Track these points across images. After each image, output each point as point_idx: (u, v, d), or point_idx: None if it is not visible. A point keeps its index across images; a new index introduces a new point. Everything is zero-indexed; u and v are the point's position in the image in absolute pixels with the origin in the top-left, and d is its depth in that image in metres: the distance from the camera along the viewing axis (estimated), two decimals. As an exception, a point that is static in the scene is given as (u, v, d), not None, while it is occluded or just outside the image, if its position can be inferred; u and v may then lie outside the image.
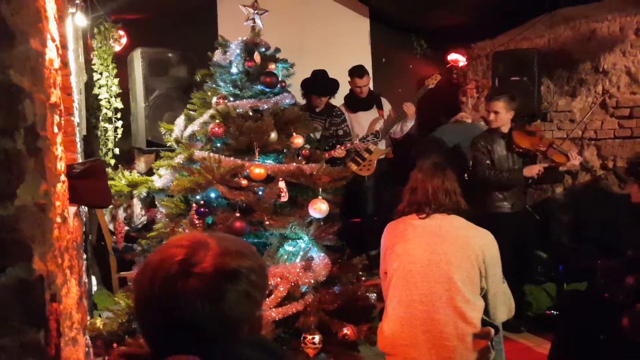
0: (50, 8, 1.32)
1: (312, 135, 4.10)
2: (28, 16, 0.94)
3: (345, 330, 2.83)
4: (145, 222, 4.89)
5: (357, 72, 5.27)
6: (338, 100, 5.43)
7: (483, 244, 2.48)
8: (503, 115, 4.30)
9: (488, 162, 4.28)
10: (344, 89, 5.38)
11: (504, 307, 2.56)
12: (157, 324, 1.02)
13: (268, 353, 1.04)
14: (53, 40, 1.35)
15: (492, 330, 2.47)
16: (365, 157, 5.15)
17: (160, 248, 1.06)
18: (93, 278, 4.57)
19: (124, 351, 1.03)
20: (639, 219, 2.96)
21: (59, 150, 1.40)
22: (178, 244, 1.03)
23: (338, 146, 4.85)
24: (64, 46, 2.55)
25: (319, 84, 5.09)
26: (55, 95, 1.21)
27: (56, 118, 1.38)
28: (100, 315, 3.37)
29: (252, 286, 1.03)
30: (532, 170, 4.24)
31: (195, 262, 1.00)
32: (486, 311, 2.51)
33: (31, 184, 0.91)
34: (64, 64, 2.62)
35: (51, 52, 1.21)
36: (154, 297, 1.01)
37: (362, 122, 5.34)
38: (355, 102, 5.39)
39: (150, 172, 4.14)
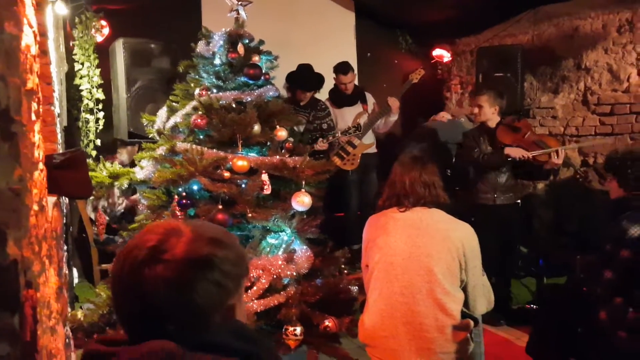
0: (28, -7, 1.30)
1: (295, 128, 4.09)
2: (2, -1, 0.92)
3: (326, 322, 2.84)
4: (123, 210, 4.86)
5: (341, 68, 5.28)
6: (323, 94, 5.43)
7: (463, 236, 2.50)
8: (487, 109, 4.34)
9: (477, 149, 4.33)
10: (328, 83, 5.38)
11: (484, 300, 2.59)
12: (127, 310, 1.01)
13: (245, 339, 1.02)
14: (30, 26, 1.33)
15: (472, 323, 2.49)
16: (350, 151, 5.15)
17: (138, 234, 1.05)
18: (74, 270, 4.54)
19: (102, 337, 1.02)
20: (617, 214, 2.99)
21: (36, 137, 1.38)
22: (154, 231, 1.02)
23: (320, 140, 4.86)
24: (42, 34, 2.52)
25: (304, 78, 5.09)
26: (32, 82, 1.19)
27: (34, 105, 1.36)
28: (81, 307, 3.34)
29: (225, 276, 1.01)
30: (516, 152, 4.20)
31: (165, 249, 0.99)
32: (466, 303, 2.53)
33: (5, 169, 0.90)
34: (43, 52, 2.59)
35: (28, 38, 1.19)
36: (123, 283, 1.00)
37: (347, 117, 5.34)
38: (340, 98, 5.40)
39: (133, 164, 4.11)
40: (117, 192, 4.82)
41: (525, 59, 5.57)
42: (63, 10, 3.88)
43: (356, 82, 5.53)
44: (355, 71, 5.52)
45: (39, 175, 1.38)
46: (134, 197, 4.52)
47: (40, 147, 1.48)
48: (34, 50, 1.38)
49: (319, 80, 5.12)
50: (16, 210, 0.94)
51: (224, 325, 1.01)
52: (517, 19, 5.92)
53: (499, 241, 4.26)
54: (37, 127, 1.45)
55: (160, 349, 0.93)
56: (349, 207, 5.42)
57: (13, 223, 0.92)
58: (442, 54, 6.67)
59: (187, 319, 0.98)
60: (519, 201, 4.43)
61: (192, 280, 0.98)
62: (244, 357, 0.99)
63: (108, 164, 3.32)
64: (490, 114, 4.35)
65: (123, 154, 4.93)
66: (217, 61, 3.19)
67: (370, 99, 5.49)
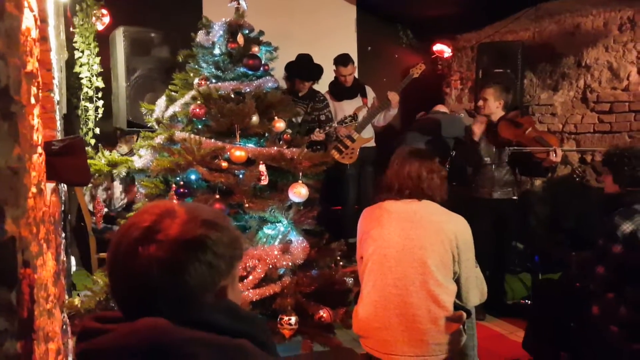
0: (29, -23, 1.31)
1: (294, 119, 4.10)
2: (3, -20, 0.93)
3: (321, 313, 2.86)
4: (124, 205, 4.88)
5: (341, 60, 5.28)
6: (323, 87, 5.44)
7: (456, 229, 2.52)
8: (491, 103, 4.35)
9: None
10: (328, 76, 5.38)
11: (477, 291, 2.61)
12: (121, 287, 1.03)
13: (238, 319, 1.04)
14: (31, 9, 1.34)
15: (464, 314, 2.51)
16: (348, 145, 5.17)
17: (135, 213, 1.07)
18: (72, 258, 4.56)
19: (98, 315, 1.04)
20: (610, 209, 3.01)
21: (35, 121, 1.39)
22: (149, 211, 1.04)
23: (317, 130, 4.86)
24: (43, 20, 2.53)
25: (303, 68, 5.09)
26: (32, 65, 1.20)
27: (33, 89, 1.37)
28: (78, 295, 3.36)
29: (217, 257, 1.03)
30: (478, 127, 4.32)
31: (159, 229, 1.00)
32: (459, 295, 2.55)
33: (4, 147, 0.91)
34: (44, 38, 2.59)
35: (28, 21, 1.20)
36: (119, 261, 1.02)
37: (346, 110, 5.35)
38: (340, 91, 5.40)
39: (132, 154, 4.12)
40: (118, 185, 4.84)
41: (526, 55, 5.57)
42: (64, -3, 3.87)
43: (356, 75, 5.53)
44: (356, 64, 5.52)
45: (38, 158, 1.39)
46: (135, 191, 4.53)
47: (39, 131, 1.50)
48: (34, 34, 1.39)
49: (318, 70, 5.13)
50: (14, 189, 0.95)
51: (216, 305, 1.03)
52: (518, 16, 5.92)
53: (493, 235, 4.28)
54: (36, 111, 1.46)
55: (152, 326, 0.95)
56: (347, 201, 5.44)
57: (11, 201, 0.93)
58: (442, 49, 6.67)
59: (179, 298, 1.00)
60: (515, 197, 4.43)
61: (184, 260, 0.99)
62: (237, 335, 1.00)
63: (107, 152, 3.34)
64: (495, 108, 4.36)
65: (123, 147, 4.94)
66: (216, 51, 3.20)
67: (370, 92, 5.49)
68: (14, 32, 0.98)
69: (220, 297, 1.05)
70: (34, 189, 1.22)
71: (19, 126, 0.98)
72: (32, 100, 1.35)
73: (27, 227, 1.05)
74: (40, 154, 1.51)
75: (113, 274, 1.04)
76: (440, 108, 5.86)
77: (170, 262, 0.98)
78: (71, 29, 4.84)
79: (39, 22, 1.56)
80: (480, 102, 4.44)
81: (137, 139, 4.59)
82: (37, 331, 1.21)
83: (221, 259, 1.03)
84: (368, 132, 5.33)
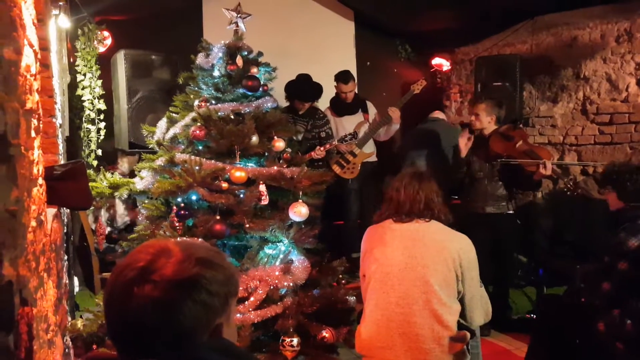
0: (29, 14, 1.34)
1: (294, 137, 4.11)
2: (1, 27, 0.95)
3: (324, 333, 2.85)
4: (127, 223, 4.90)
5: (342, 77, 5.31)
6: (324, 102, 5.46)
7: (460, 247, 2.51)
8: (483, 118, 4.36)
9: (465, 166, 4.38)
10: (329, 92, 5.41)
11: (481, 311, 2.59)
12: (117, 328, 1.03)
13: (233, 357, 1.04)
14: (31, 45, 1.36)
15: (468, 334, 2.49)
16: (350, 160, 5.18)
17: (130, 253, 1.07)
18: (75, 279, 4.56)
19: (93, 354, 1.05)
20: (616, 226, 3.01)
21: (35, 154, 1.41)
22: (145, 250, 1.05)
23: (318, 147, 4.87)
24: (44, 49, 2.56)
25: (302, 89, 5.11)
26: (32, 101, 1.22)
27: (33, 122, 1.39)
28: (81, 316, 3.37)
29: (212, 295, 1.03)
30: (463, 143, 4.32)
31: (154, 269, 1.01)
32: (463, 315, 2.53)
33: (2, 191, 0.93)
34: (45, 66, 2.63)
35: (28, 59, 1.22)
36: (114, 301, 1.02)
37: (347, 126, 5.37)
38: (341, 107, 5.43)
39: (133, 174, 4.14)
40: (120, 203, 4.86)
41: (524, 68, 5.59)
42: (66, 23, 3.91)
43: (356, 91, 5.56)
44: (356, 81, 5.55)
45: (38, 191, 1.40)
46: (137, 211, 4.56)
47: (39, 163, 1.51)
48: (34, 69, 1.41)
49: (317, 90, 5.15)
50: (12, 231, 0.96)
51: (211, 344, 1.03)
52: (515, 29, 5.95)
53: (488, 249, 4.23)
54: (36, 142, 1.48)
55: None
56: (349, 216, 5.44)
57: (9, 243, 0.94)
58: (441, 62, 6.70)
59: (174, 338, 1.00)
60: (511, 212, 4.41)
61: (178, 300, 1.00)
62: None
63: (108, 175, 3.36)
64: (487, 123, 4.37)
65: (124, 164, 4.97)
66: (216, 73, 3.23)
67: (371, 108, 5.51)
68: (12, 76, 0.99)
69: (216, 336, 1.05)
70: (33, 223, 1.23)
71: (17, 167, 1.00)
72: (32, 134, 1.37)
73: (25, 265, 1.06)
74: (41, 185, 1.53)
75: (109, 314, 1.04)
76: (439, 115, 5.84)
77: (164, 302, 0.99)
78: (73, 54, 4.89)
79: (39, 55, 1.58)
80: (473, 118, 4.45)
81: (138, 158, 4.62)
82: (38, 366, 1.22)
83: (216, 297, 1.04)
84: (370, 147, 5.35)
